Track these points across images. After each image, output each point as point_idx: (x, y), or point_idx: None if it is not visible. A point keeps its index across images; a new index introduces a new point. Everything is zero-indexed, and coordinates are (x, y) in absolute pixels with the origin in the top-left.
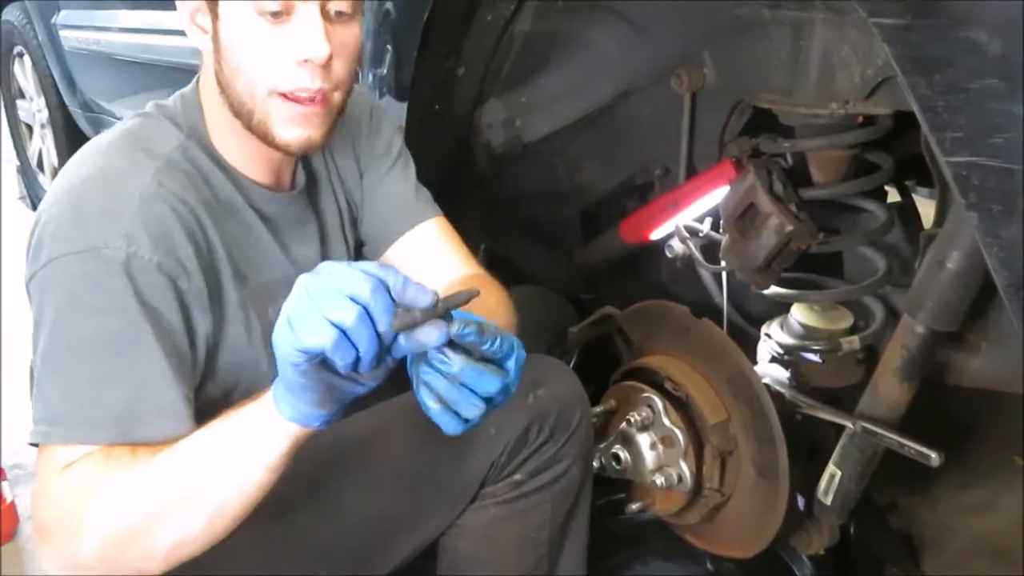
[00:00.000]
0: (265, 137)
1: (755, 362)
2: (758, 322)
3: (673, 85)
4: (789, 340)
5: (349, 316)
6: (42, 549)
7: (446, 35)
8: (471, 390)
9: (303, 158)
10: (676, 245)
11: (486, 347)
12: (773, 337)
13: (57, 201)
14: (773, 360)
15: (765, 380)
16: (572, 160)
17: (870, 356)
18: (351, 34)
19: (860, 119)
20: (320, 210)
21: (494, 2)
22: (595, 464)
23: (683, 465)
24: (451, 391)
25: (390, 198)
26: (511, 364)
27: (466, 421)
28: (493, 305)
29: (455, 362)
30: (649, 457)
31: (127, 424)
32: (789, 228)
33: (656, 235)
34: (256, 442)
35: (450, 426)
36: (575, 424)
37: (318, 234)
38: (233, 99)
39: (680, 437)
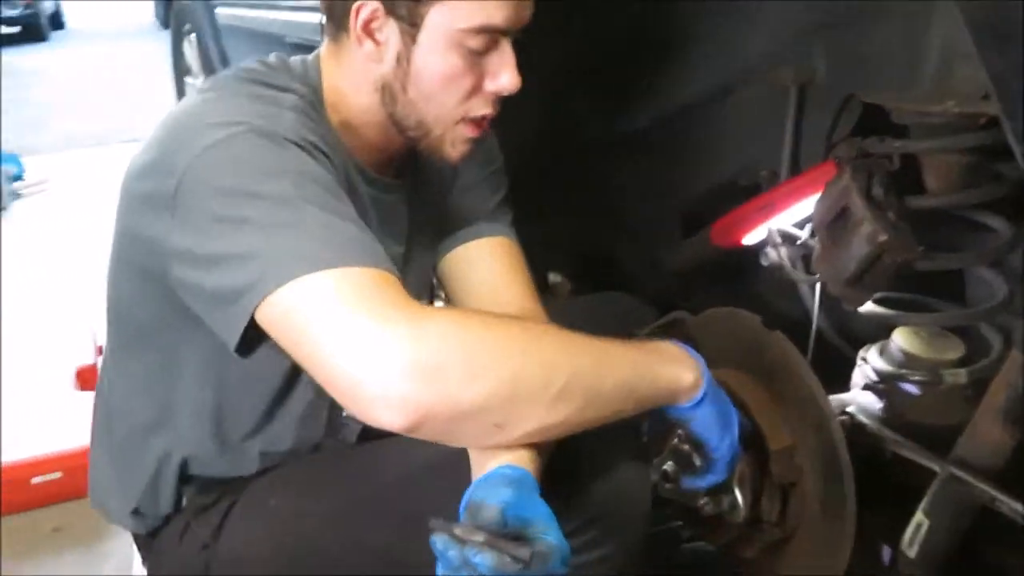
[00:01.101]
0: (433, 152)
1: (848, 388)
2: (863, 345)
3: (780, 78)
4: (886, 367)
5: None
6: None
7: (536, 13)
8: None
9: (414, 153)
10: (772, 253)
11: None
12: (869, 362)
13: (183, 114)
14: (867, 388)
15: (850, 408)
16: (671, 155)
17: (980, 393)
18: None
19: (983, 121)
20: (416, 204)
21: None
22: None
23: (736, 492)
24: None
25: (468, 207)
26: None
27: None
28: None
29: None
30: None
31: (375, 256)
32: (882, 238)
33: (748, 240)
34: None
35: None
36: (628, 530)
37: (407, 228)
38: (410, 117)
39: None
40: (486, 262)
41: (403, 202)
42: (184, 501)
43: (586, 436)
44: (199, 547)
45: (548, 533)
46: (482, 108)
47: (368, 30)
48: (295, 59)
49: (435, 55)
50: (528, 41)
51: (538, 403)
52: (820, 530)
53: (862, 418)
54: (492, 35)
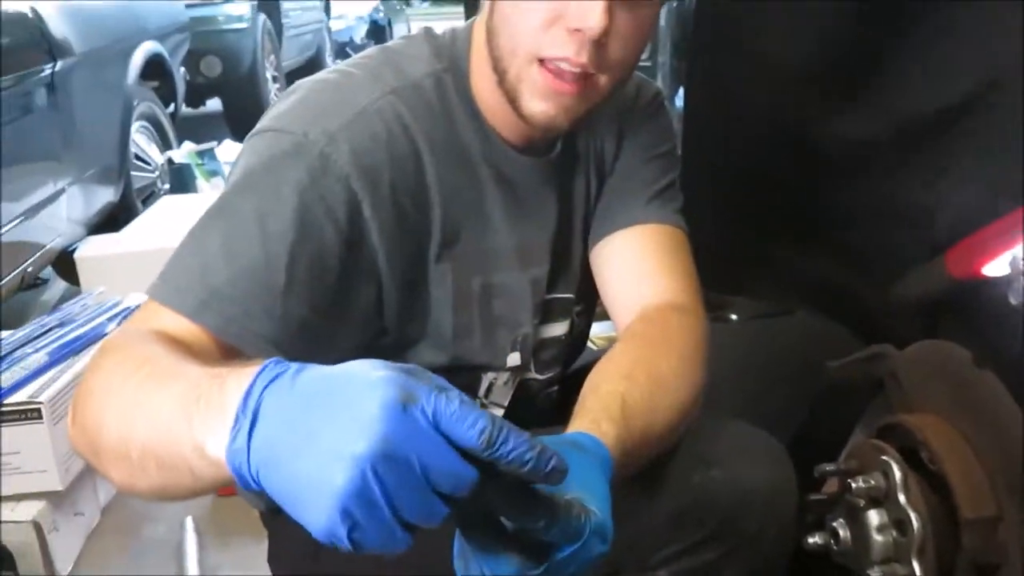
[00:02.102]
0: (513, 102)
1: None
2: None
3: None
4: None
5: None
6: None
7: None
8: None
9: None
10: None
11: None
12: None
13: (288, 92)
14: None
15: None
16: (919, 172)
17: None
18: (642, 16)
19: None
20: (568, 189)
21: None
22: (814, 540)
23: (916, 565)
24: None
25: (628, 191)
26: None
27: None
28: (662, 358)
29: None
30: (875, 542)
31: (213, 310)
32: None
33: (991, 270)
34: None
35: None
36: (756, 529)
37: (556, 213)
38: (493, 51)
39: (916, 525)
40: (633, 251)
41: (552, 183)
42: None
43: (706, 430)
44: None
45: (596, 505)
46: (560, 47)
47: None
48: (447, 30)
49: None
50: (754, 33)
51: (111, 458)
52: None
53: None
54: None
